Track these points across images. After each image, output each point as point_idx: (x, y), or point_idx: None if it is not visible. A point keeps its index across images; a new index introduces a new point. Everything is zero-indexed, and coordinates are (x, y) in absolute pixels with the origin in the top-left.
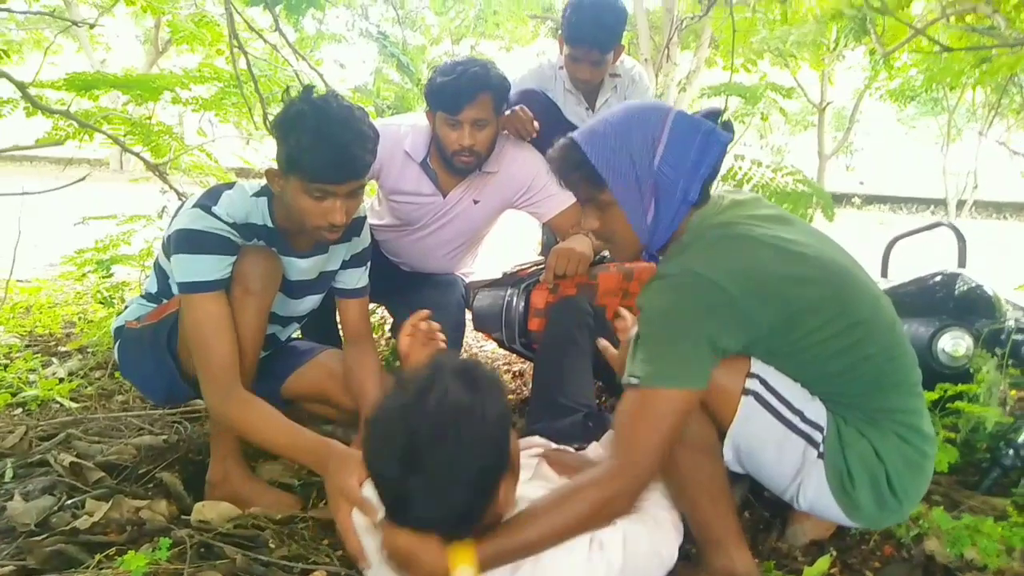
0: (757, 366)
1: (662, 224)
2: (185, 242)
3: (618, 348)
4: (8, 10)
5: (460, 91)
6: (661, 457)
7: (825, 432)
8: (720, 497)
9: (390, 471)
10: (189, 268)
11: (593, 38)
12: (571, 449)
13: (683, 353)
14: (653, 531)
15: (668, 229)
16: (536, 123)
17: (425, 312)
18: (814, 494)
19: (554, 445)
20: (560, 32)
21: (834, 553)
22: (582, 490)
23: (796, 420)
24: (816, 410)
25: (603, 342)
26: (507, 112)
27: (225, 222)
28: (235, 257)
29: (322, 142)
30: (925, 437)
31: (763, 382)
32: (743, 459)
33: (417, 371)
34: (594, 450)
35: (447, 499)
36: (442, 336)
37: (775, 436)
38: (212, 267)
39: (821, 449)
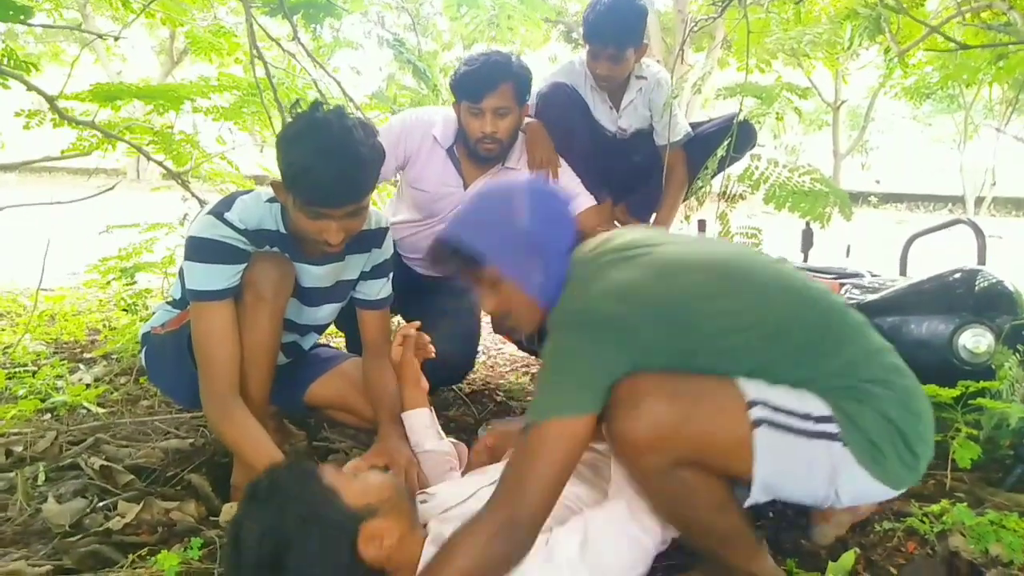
0: (750, 390)
1: (553, 279)
2: (194, 250)
3: None
4: (34, 24)
5: (481, 80)
6: (549, 490)
7: (833, 419)
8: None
9: None
10: (197, 276)
11: (608, 34)
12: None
13: (568, 381)
14: (622, 514)
15: (560, 282)
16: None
17: (416, 323)
18: (851, 485)
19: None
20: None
21: (858, 550)
22: (464, 537)
23: (810, 425)
24: (814, 403)
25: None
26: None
27: (237, 229)
28: (244, 265)
29: (318, 166)
30: (897, 369)
31: (764, 404)
32: (774, 491)
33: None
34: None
35: None
36: (431, 347)
37: (802, 452)
38: (219, 276)
39: (842, 438)
